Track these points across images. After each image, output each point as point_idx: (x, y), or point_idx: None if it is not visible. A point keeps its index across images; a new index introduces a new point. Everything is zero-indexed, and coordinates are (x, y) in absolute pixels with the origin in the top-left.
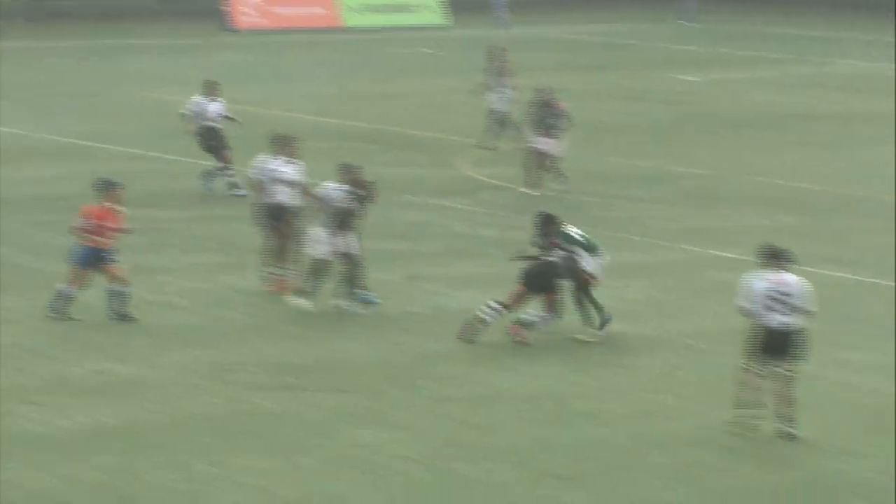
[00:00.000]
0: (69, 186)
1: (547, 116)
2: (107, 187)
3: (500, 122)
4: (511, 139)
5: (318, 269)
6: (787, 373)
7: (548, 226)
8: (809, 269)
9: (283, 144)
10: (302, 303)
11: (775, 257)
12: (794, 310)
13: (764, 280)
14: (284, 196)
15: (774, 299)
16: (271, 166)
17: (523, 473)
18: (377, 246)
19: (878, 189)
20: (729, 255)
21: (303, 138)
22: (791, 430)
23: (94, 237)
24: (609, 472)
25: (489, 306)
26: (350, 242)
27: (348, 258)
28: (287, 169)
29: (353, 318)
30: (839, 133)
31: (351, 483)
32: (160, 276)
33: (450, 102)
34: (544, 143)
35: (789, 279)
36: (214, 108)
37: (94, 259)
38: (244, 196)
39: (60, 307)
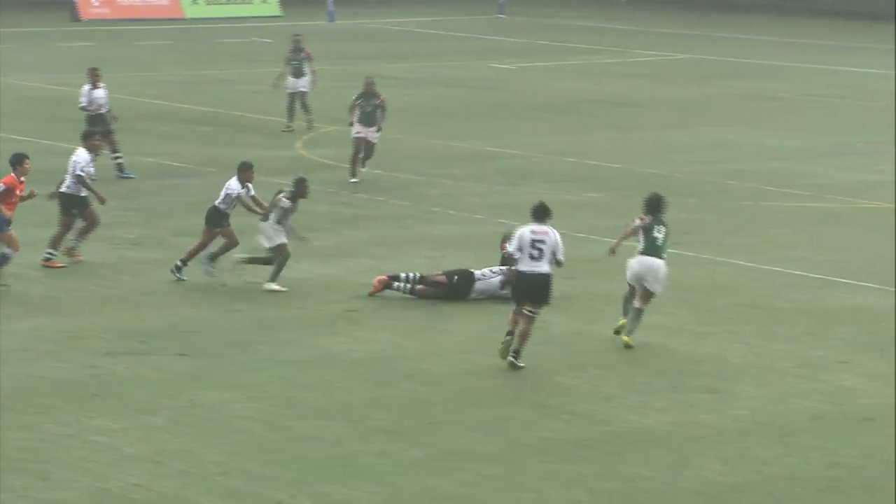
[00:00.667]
0: None
1: (367, 106)
2: (17, 160)
3: (302, 104)
4: (309, 121)
5: (267, 258)
6: (530, 314)
7: None
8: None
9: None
10: (274, 287)
11: (538, 213)
12: (544, 257)
13: (529, 231)
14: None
15: (533, 247)
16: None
17: (355, 429)
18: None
19: (670, 167)
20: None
21: (147, 121)
22: (517, 362)
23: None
24: (432, 427)
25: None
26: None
27: (281, 249)
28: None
29: (200, 288)
30: (637, 117)
31: (195, 440)
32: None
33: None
34: (364, 131)
35: (547, 230)
36: (98, 94)
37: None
38: (132, 178)
39: None
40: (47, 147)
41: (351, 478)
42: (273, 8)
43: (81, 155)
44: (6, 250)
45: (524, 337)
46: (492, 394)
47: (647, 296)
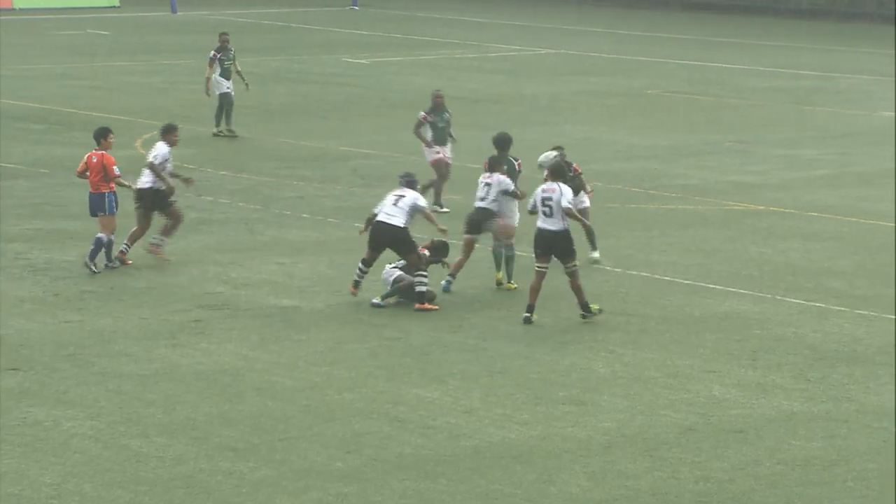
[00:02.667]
0: None
1: (439, 121)
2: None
3: (231, 105)
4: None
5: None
6: (568, 268)
7: None
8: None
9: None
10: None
11: (553, 172)
12: (555, 213)
13: (541, 189)
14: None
15: (544, 204)
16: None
17: (200, 447)
18: (53, 226)
19: (532, 167)
20: None
21: None
22: (585, 313)
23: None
24: (283, 443)
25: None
26: None
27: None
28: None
29: (32, 297)
30: (497, 114)
31: (27, 461)
32: None
33: (120, 84)
34: (443, 151)
35: (555, 187)
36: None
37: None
38: None
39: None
40: None
41: (195, 499)
42: None
43: (161, 148)
44: (101, 235)
45: (578, 291)
46: (347, 408)
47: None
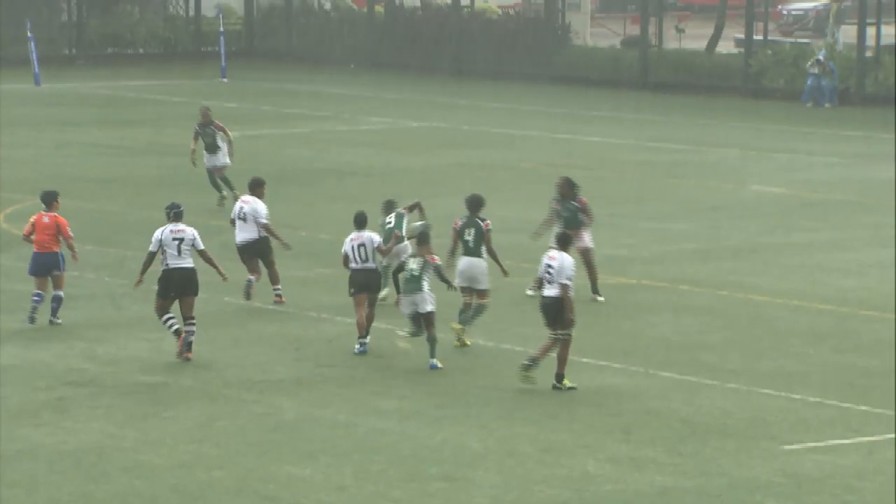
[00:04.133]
0: None
1: (564, 210)
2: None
3: (223, 179)
4: (235, 196)
5: None
6: (561, 336)
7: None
8: (344, 319)
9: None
10: None
11: (562, 242)
12: (554, 281)
13: (547, 257)
14: None
15: (546, 271)
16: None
17: None
18: None
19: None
20: (265, 305)
21: None
22: (558, 384)
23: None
24: None
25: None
26: None
27: None
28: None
29: None
30: (368, 187)
31: None
32: None
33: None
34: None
35: (555, 255)
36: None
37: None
38: None
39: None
40: None
41: None
42: None
43: (260, 204)
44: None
45: (561, 360)
46: (216, 486)
47: (482, 294)
